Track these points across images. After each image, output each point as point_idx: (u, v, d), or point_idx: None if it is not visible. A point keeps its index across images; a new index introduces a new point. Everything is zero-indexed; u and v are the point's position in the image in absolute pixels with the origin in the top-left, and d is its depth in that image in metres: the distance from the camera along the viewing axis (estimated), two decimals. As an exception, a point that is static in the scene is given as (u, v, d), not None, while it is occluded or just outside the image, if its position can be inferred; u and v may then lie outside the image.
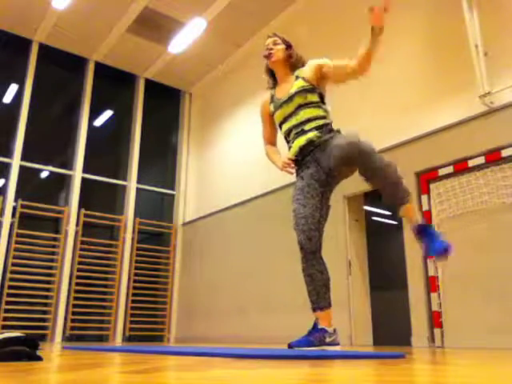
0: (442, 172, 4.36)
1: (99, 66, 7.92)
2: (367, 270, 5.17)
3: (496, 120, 4.05)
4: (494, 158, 4.01)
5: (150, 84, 8.40)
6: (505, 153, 3.92)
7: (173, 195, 8.31)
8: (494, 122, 4.07)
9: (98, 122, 7.98)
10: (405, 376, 1.09)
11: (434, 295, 4.19)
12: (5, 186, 6.76)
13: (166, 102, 8.76)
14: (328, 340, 2.40)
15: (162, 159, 8.58)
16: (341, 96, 5.66)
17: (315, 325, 2.46)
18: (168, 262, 7.85)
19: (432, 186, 4.44)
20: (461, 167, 4.22)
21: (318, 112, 2.55)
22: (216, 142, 7.95)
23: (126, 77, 8.25)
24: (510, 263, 3.73)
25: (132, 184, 7.81)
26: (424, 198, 4.46)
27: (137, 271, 7.42)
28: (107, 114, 8.14)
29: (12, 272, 6.38)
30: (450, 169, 4.29)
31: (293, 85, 2.60)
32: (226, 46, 7.46)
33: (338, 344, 2.43)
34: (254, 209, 6.48)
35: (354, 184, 5.16)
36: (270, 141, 2.78)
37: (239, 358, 1.70)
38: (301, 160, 2.53)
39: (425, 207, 4.43)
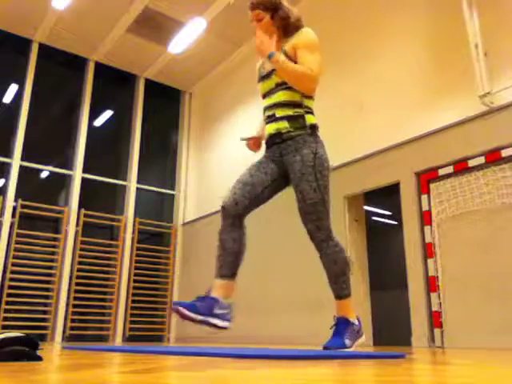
0: (442, 172, 4.36)
1: (99, 66, 7.92)
2: (367, 270, 5.17)
3: (496, 120, 4.05)
4: (493, 157, 4.01)
5: (150, 84, 8.39)
6: (505, 153, 3.92)
7: (173, 195, 8.31)
8: (494, 122, 4.07)
9: (98, 122, 7.98)
10: (405, 376, 1.09)
11: (433, 295, 4.19)
12: (5, 185, 6.76)
13: (166, 102, 8.75)
14: (217, 311, 2.18)
15: (162, 159, 8.58)
16: (341, 95, 5.67)
17: (208, 293, 2.25)
18: (168, 262, 7.85)
19: (432, 185, 4.44)
20: (461, 167, 4.22)
21: (294, 96, 2.33)
22: (216, 141, 7.94)
23: (126, 77, 8.25)
24: (510, 263, 3.73)
25: (132, 184, 7.80)
26: (424, 197, 4.46)
27: (137, 271, 7.42)
28: (107, 113, 8.14)
29: (12, 272, 6.38)
30: (450, 169, 4.29)
31: None
32: (226, 45, 7.46)
33: (228, 321, 2.19)
34: (255, 210, 6.47)
35: (354, 184, 5.18)
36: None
37: (239, 357, 1.70)
38: (269, 145, 2.44)
39: (425, 207, 4.43)
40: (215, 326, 2.15)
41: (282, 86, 2.33)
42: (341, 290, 2.36)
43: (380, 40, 5.28)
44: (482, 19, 4.18)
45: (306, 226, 2.34)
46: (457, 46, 4.37)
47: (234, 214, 2.37)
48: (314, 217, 2.29)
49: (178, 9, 6.67)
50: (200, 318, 2.14)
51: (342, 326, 2.30)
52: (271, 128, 2.39)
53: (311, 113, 2.39)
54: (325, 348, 2.22)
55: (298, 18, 2.44)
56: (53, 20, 6.90)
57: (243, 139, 2.58)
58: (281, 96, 2.34)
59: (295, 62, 2.30)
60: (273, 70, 2.34)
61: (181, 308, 2.12)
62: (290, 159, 2.32)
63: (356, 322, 2.34)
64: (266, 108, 2.42)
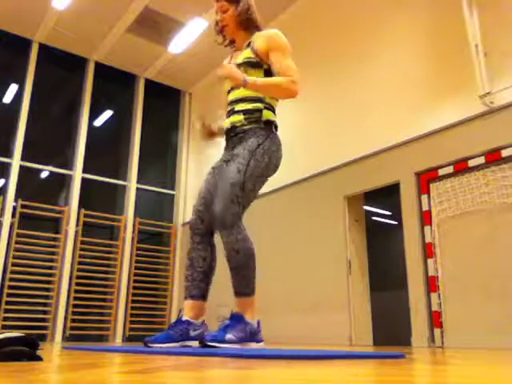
0: (442, 172, 4.36)
1: (99, 66, 7.92)
2: (367, 270, 5.17)
3: (496, 120, 4.05)
4: (493, 158, 4.01)
5: (150, 84, 8.39)
6: (505, 153, 3.92)
7: (173, 195, 8.30)
8: (494, 122, 4.07)
9: (98, 122, 7.98)
10: (405, 376, 1.09)
11: (434, 295, 4.19)
12: (5, 185, 6.76)
13: (166, 102, 8.75)
14: (193, 334, 2.14)
15: (162, 159, 8.58)
16: (341, 95, 5.67)
17: (179, 317, 2.20)
18: (168, 261, 7.85)
19: (432, 185, 4.44)
20: (461, 167, 4.22)
21: (256, 92, 2.30)
22: (216, 141, 7.93)
23: (126, 77, 8.25)
24: (510, 263, 3.73)
25: (132, 184, 7.80)
26: (424, 197, 4.46)
27: (137, 271, 7.42)
28: (107, 114, 8.13)
29: (12, 272, 6.38)
30: (450, 169, 4.29)
31: (242, 53, 2.38)
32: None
33: (198, 338, 2.11)
34: (253, 209, 6.47)
35: (354, 184, 5.18)
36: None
37: (239, 357, 1.70)
38: (226, 140, 2.43)
39: (425, 207, 4.43)
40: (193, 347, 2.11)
41: None
42: (240, 286, 2.19)
43: (380, 40, 5.28)
44: (482, 19, 4.18)
45: (216, 206, 2.19)
46: (457, 46, 4.37)
47: (201, 232, 2.33)
48: (227, 196, 2.15)
49: (178, 9, 6.67)
50: (178, 345, 2.10)
51: (233, 321, 2.13)
52: (227, 122, 2.39)
53: (271, 110, 2.35)
54: (201, 339, 2.06)
55: (257, 16, 2.44)
56: (53, 20, 6.90)
57: (198, 122, 2.53)
58: (241, 92, 2.33)
59: (263, 61, 2.29)
60: (237, 65, 2.32)
61: (157, 345, 2.06)
62: (237, 151, 2.28)
63: (254, 324, 2.16)
64: (229, 103, 2.41)
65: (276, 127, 2.37)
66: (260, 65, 2.32)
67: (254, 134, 2.27)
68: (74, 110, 7.70)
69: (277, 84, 2.24)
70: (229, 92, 2.43)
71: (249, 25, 2.41)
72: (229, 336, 2.04)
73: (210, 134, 2.57)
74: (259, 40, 2.34)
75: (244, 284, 2.18)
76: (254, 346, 2.13)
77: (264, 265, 6.00)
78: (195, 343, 2.14)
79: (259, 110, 2.30)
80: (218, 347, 1.97)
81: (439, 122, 4.45)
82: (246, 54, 2.34)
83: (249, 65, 2.31)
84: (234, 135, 2.35)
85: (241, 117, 2.31)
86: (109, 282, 7.30)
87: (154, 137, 8.44)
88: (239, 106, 2.32)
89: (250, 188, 2.20)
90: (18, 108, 7.08)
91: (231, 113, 2.37)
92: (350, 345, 4.70)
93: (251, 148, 2.23)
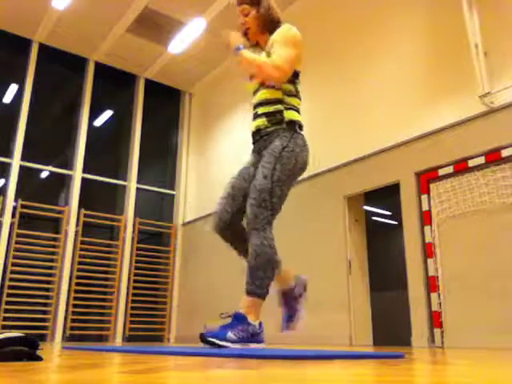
0: (442, 172, 4.36)
1: (99, 66, 7.92)
2: (367, 269, 5.17)
3: (496, 120, 4.05)
4: (493, 158, 4.01)
5: (150, 84, 8.40)
6: (505, 153, 3.92)
7: (173, 195, 8.31)
8: (494, 122, 4.07)
9: (98, 121, 7.98)
10: (405, 376, 1.09)
11: (433, 295, 4.19)
12: (5, 185, 6.76)
13: (166, 102, 8.75)
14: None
15: (162, 159, 8.58)
16: (341, 95, 5.67)
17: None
18: (168, 262, 7.85)
19: (432, 185, 4.44)
20: (461, 167, 4.22)
21: (274, 94, 2.34)
22: (216, 141, 7.94)
23: (126, 77, 8.25)
24: (510, 263, 3.73)
25: (132, 184, 7.81)
26: (424, 197, 4.46)
27: (137, 271, 7.42)
28: (107, 114, 8.14)
29: (12, 272, 6.38)
30: (450, 169, 4.29)
31: (263, 54, 2.40)
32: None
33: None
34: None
35: (354, 184, 5.18)
36: None
37: (239, 357, 1.70)
38: (253, 143, 2.46)
39: (425, 207, 4.43)
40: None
41: (264, 85, 2.37)
42: (252, 285, 2.18)
43: (380, 40, 5.28)
44: (482, 19, 4.18)
45: (247, 210, 2.24)
46: (457, 45, 4.37)
47: (228, 237, 2.42)
48: (255, 202, 2.19)
49: (178, 9, 6.68)
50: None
51: (235, 321, 2.14)
52: (252, 126, 2.42)
53: (293, 109, 2.37)
54: (202, 334, 2.07)
55: (278, 15, 2.48)
56: (53, 20, 6.91)
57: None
58: (262, 95, 2.37)
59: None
60: None
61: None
62: (263, 153, 2.32)
63: (256, 325, 2.17)
64: (253, 107, 2.45)
65: (300, 127, 2.39)
66: None
67: (278, 136, 2.29)
68: (73, 109, 7.71)
69: (258, 64, 2.30)
70: (254, 94, 2.48)
71: (272, 26, 2.44)
72: (229, 335, 2.05)
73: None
74: (271, 38, 2.40)
75: (257, 284, 2.18)
76: (254, 346, 2.13)
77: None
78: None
79: (280, 112, 2.33)
80: (217, 345, 1.98)
81: (439, 122, 4.45)
82: (266, 54, 2.38)
83: None
84: (259, 138, 2.39)
85: (263, 120, 2.35)
86: (109, 282, 7.30)
87: (153, 137, 8.45)
88: (261, 110, 2.37)
89: (278, 193, 2.22)
90: (18, 108, 7.08)
91: (255, 116, 2.41)
92: (350, 345, 4.70)
93: (276, 152, 2.25)
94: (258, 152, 2.41)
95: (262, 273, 2.17)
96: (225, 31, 2.36)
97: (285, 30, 2.38)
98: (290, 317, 2.30)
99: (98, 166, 7.63)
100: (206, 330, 2.09)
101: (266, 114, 2.34)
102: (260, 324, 2.20)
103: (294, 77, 2.37)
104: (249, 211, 2.22)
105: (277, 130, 2.31)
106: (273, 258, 2.19)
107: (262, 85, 2.37)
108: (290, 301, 2.36)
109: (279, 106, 2.33)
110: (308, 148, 2.37)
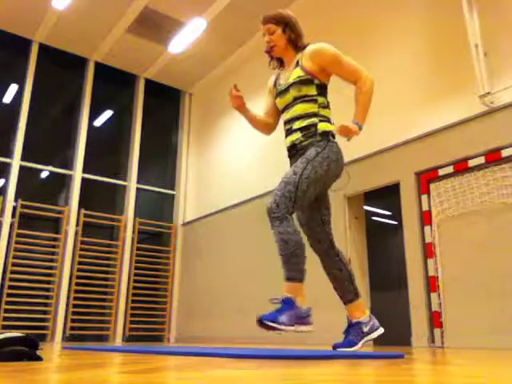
0: (442, 172, 4.36)
1: (99, 66, 7.92)
2: (367, 269, 5.17)
3: (496, 120, 4.05)
4: (493, 158, 4.01)
5: (150, 84, 8.40)
6: (505, 153, 3.93)
7: (173, 195, 8.31)
8: (494, 122, 4.07)
9: (98, 121, 7.98)
10: (405, 376, 1.09)
11: (433, 295, 4.19)
12: (5, 186, 6.76)
13: (166, 102, 8.75)
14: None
15: (161, 159, 8.58)
16: (341, 95, 5.66)
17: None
18: (168, 262, 7.85)
19: (432, 186, 4.44)
20: (461, 167, 4.22)
21: (310, 108, 2.41)
22: (216, 141, 7.95)
23: (126, 77, 8.25)
24: (510, 263, 3.73)
25: (132, 184, 7.81)
26: (424, 197, 4.46)
27: (137, 271, 7.42)
28: (107, 113, 8.14)
29: (12, 272, 6.38)
30: (450, 169, 4.29)
31: (292, 73, 2.46)
32: (226, 45, 7.46)
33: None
34: (254, 209, 6.48)
35: (354, 184, 5.17)
36: (265, 116, 2.67)
37: (239, 357, 1.70)
38: (289, 158, 2.50)
39: (425, 207, 4.43)
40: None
41: (300, 99, 2.42)
42: (290, 271, 2.26)
43: (380, 40, 5.28)
44: (482, 19, 4.18)
45: (270, 199, 2.29)
46: (457, 46, 4.37)
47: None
48: (279, 192, 2.26)
49: (178, 9, 6.68)
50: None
51: (285, 305, 2.24)
52: (288, 141, 2.48)
53: (326, 121, 2.44)
54: (259, 318, 2.20)
55: (301, 32, 2.58)
56: (53, 20, 6.90)
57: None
58: (298, 109, 2.43)
59: (315, 77, 2.41)
60: (290, 85, 2.43)
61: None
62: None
63: (303, 308, 2.27)
64: (286, 122, 2.51)
65: (334, 136, 2.45)
66: (311, 81, 2.42)
67: (313, 146, 2.37)
68: (74, 110, 7.71)
69: (366, 101, 2.47)
70: (283, 111, 2.53)
71: (296, 43, 2.53)
72: (282, 318, 2.18)
73: (238, 101, 2.55)
74: (306, 58, 2.45)
75: (295, 270, 2.27)
76: (304, 328, 2.25)
77: (265, 264, 6.02)
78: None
79: (314, 125, 2.39)
80: (273, 327, 2.15)
81: (439, 122, 4.45)
82: (297, 73, 2.43)
83: (300, 83, 2.41)
84: (295, 152, 2.44)
85: (298, 135, 2.40)
86: (109, 282, 7.30)
87: (153, 137, 8.45)
88: (296, 125, 2.42)
89: (303, 188, 2.26)
90: (18, 108, 7.08)
91: (290, 132, 2.46)
92: (350, 345, 4.69)
93: (310, 156, 2.32)
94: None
95: (294, 258, 2.25)
96: (343, 129, 2.35)
97: (324, 52, 2.46)
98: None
99: (97, 165, 7.63)
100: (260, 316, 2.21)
101: (300, 129, 2.40)
102: (308, 308, 2.31)
103: (325, 89, 2.48)
104: (271, 200, 2.27)
105: (312, 143, 2.37)
106: (300, 241, 2.27)
107: (297, 98, 2.42)
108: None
109: (314, 120, 2.40)
110: (343, 156, 2.44)
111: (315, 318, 2.41)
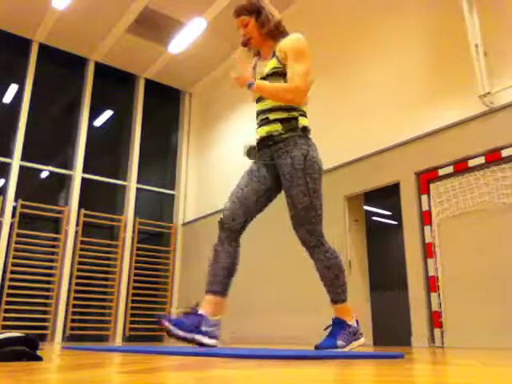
0: (442, 172, 4.36)
1: (99, 66, 7.92)
2: (367, 269, 5.17)
3: (496, 120, 4.05)
4: (493, 158, 4.01)
5: (149, 84, 8.39)
6: (505, 153, 3.93)
7: (173, 195, 8.31)
8: (494, 122, 4.07)
9: (98, 121, 7.98)
10: (405, 376, 1.09)
11: (434, 295, 4.19)
12: (5, 186, 6.76)
13: (166, 102, 8.75)
14: (204, 329, 2.13)
15: (162, 159, 8.58)
16: (340, 95, 5.67)
17: (194, 309, 2.22)
18: (168, 262, 7.85)
19: (432, 186, 4.44)
20: (461, 167, 4.22)
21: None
22: (216, 141, 7.94)
23: (126, 77, 8.25)
24: (510, 263, 3.73)
25: (132, 184, 7.80)
26: (424, 197, 4.46)
27: (137, 271, 7.42)
28: (107, 113, 8.14)
29: (12, 272, 6.38)
30: (450, 169, 4.29)
31: (267, 63, 2.38)
32: (226, 45, 7.45)
33: (215, 338, 2.16)
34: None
35: (354, 184, 5.18)
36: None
37: (239, 357, 1.70)
38: (259, 148, 2.43)
39: (425, 207, 4.43)
40: (201, 343, 2.13)
41: None
42: (335, 294, 2.34)
43: (380, 40, 5.28)
44: (481, 19, 4.18)
45: (297, 231, 2.31)
46: (457, 45, 4.37)
47: (231, 229, 2.38)
48: (305, 221, 2.26)
49: (178, 9, 6.68)
50: (184, 335, 2.10)
51: (337, 327, 2.30)
52: (263, 131, 2.38)
53: (304, 115, 2.39)
54: (316, 348, 2.23)
55: (279, 20, 2.45)
56: (53, 20, 6.90)
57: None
58: (272, 101, 2.35)
59: (286, 69, 2.32)
60: (268, 75, 2.35)
61: (167, 323, 2.10)
62: (280, 162, 2.31)
63: (354, 324, 2.32)
64: (260, 112, 2.42)
65: (309, 131, 2.40)
66: (285, 73, 2.33)
67: (296, 146, 2.29)
68: (73, 110, 7.70)
69: (275, 89, 2.30)
70: (257, 101, 2.44)
71: (274, 33, 2.42)
72: (339, 342, 2.25)
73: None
74: (282, 47, 2.36)
75: (340, 292, 2.33)
76: (356, 343, 2.31)
77: (265, 265, 6.02)
78: (203, 339, 2.14)
79: (295, 118, 2.33)
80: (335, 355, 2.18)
81: (439, 122, 4.45)
82: (272, 64, 2.36)
83: (276, 74, 2.34)
84: (272, 144, 2.36)
85: (278, 126, 2.32)
86: (109, 282, 7.30)
87: (154, 137, 8.44)
88: (274, 115, 2.34)
89: (317, 204, 2.29)
90: (18, 108, 7.08)
91: (265, 122, 2.37)
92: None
93: (300, 165, 2.26)
94: (270, 158, 2.36)
95: (338, 281, 2.32)
96: (232, 72, 2.32)
97: (294, 43, 2.35)
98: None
99: (97, 165, 7.63)
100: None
101: (280, 120, 2.32)
102: (357, 322, 2.37)
103: None
104: (302, 232, 2.28)
105: (293, 137, 2.30)
106: (340, 264, 2.34)
107: None
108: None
109: (294, 113, 2.33)
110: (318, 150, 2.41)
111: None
